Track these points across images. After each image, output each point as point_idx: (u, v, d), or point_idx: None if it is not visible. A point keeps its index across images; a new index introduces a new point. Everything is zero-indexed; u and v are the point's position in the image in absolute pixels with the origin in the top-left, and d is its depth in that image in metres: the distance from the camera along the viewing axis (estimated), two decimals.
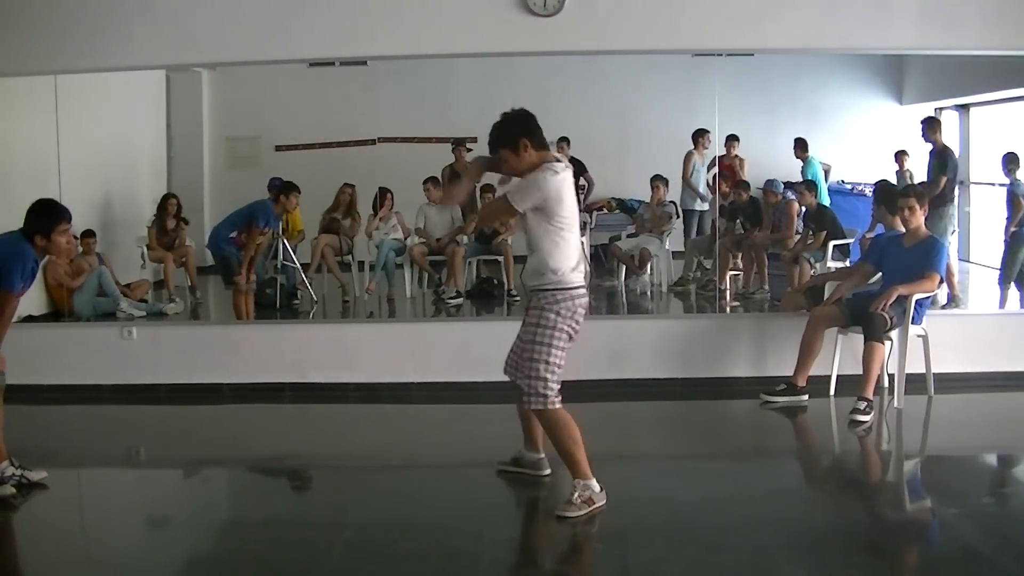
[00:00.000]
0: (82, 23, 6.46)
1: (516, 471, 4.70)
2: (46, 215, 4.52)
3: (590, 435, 5.72)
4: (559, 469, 4.77)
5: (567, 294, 4.17)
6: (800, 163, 8.73)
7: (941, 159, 7.46)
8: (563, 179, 4.14)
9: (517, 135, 4.13)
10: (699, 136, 8.57)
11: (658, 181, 8.67)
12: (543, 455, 4.69)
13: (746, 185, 8.59)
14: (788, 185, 8.55)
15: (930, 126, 7.59)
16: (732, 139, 8.65)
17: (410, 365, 6.60)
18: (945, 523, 4.33)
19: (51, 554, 4.17)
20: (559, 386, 4.24)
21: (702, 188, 8.76)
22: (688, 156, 8.73)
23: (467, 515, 4.25)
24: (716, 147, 8.33)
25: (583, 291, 4.25)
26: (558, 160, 4.21)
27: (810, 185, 8.12)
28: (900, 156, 8.40)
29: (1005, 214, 7.69)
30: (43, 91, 6.93)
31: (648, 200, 8.87)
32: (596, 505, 4.20)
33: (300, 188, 7.65)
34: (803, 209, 8.26)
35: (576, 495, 4.19)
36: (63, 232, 4.52)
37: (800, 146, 8.68)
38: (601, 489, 4.24)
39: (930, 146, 7.52)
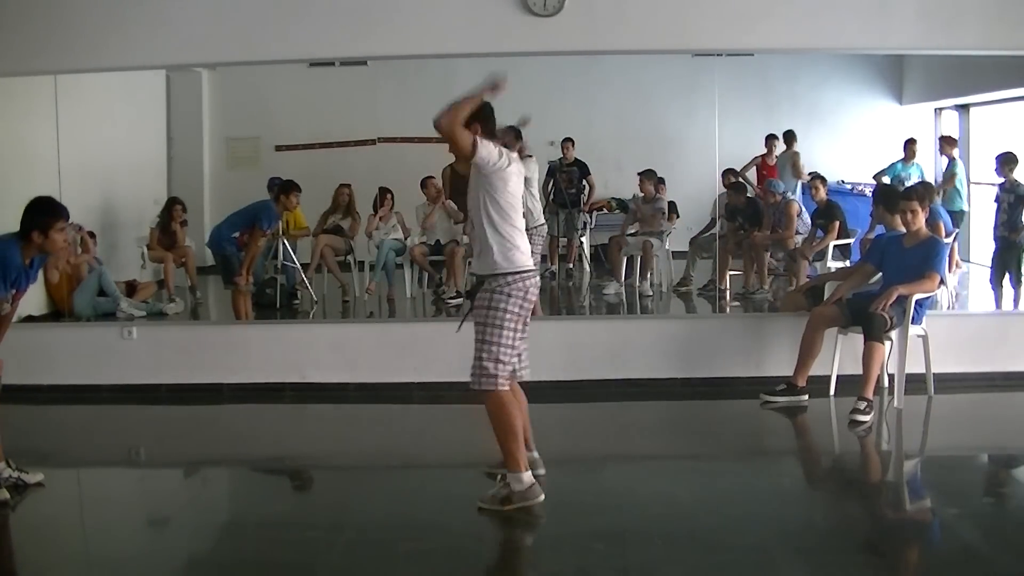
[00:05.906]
0: (81, 23, 6.45)
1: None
2: (44, 213, 4.50)
3: (591, 435, 5.77)
4: (552, 470, 4.77)
5: (516, 276, 4.20)
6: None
7: None
8: (511, 164, 4.22)
9: (470, 120, 4.19)
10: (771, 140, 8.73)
11: (644, 176, 8.60)
12: (536, 454, 4.63)
13: (743, 187, 8.61)
14: None
15: None
16: (771, 139, 8.68)
17: (410, 365, 6.60)
18: (945, 523, 4.33)
19: (51, 555, 4.17)
20: (512, 369, 4.26)
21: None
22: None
23: (467, 515, 4.24)
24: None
25: (533, 274, 4.28)
26: (507, 148, 4.34)
27: (820, 178, 8.12)
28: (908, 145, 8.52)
29: (995, 215, 7.66)
30: (43, 91, 6.93)
31: (638, 196, 8.80)
32: (521, 501, 4.20)
33: (300, 187, 7.65)
34: (803, 209, 8.26)
35: (497, 490, 4.24)
36: (60, 230, 4.50)
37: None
38: (532, 485, 4.22)
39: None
